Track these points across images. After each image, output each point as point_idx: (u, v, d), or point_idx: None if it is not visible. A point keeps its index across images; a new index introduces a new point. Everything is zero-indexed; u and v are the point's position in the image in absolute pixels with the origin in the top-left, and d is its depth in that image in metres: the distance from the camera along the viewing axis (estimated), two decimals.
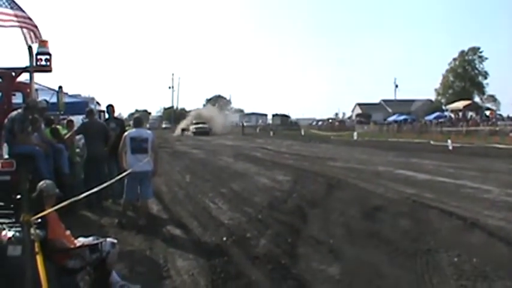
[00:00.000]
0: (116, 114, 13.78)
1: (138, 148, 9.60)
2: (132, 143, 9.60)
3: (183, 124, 79.04)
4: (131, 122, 11.19)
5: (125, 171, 9.32)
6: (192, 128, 71.21)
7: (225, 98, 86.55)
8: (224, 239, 8.51)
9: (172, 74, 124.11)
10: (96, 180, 9.60)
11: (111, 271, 5.79)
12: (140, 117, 11.00)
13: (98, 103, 23.30)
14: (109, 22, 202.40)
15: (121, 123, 13.02)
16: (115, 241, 5.98)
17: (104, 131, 11.88)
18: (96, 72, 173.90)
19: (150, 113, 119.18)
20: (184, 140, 50.80)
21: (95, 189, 6.49)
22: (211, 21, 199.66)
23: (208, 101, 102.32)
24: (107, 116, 13.87)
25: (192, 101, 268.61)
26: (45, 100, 12.48)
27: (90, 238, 5.88)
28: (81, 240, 5.82)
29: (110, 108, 13.26)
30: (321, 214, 10.47)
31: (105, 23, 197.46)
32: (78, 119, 13.60)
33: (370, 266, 7.01)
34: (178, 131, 76.19)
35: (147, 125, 72.07)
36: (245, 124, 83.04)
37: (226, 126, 79.05)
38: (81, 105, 16.18)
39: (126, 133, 10.02)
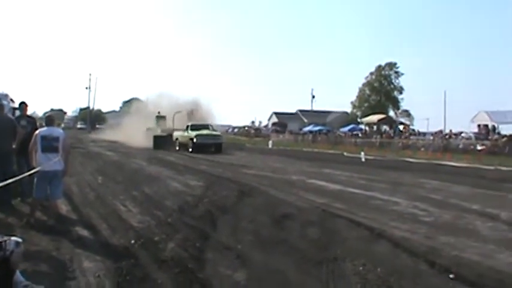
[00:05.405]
0: (30, 113, 13.48)
1: (49, 147, 9.46)
2: (43, 141, 9.45)
3: (158, 124, 48.16)
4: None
5: (35, 169, 9.20)
6: (188, 136, 37.92)
7: (142, 101, 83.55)
8: (132, 241, 8.50)
9: (90, 74, 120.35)
10: (2, 177, 9.41)
11: (15, 271, 5.71)
12: (52, 116, 10.78)
13: (11, 100, 22.68)
14: (27, 18, 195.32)
15: (32, 121, 12.67)
16: (20, 240, 5.86)
17: (12, 126, 11.31)
18: (12, 69, 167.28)
19: (65, 113, 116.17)
20: (99, 142, 49.48)
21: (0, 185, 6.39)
22: (130, 23, 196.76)
23: (125, 103, 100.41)
24: (18, 113, 13.57)
25: (108, 102, 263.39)
26: None
27: None
28: None
29: (22, 105, 12.90)
30: (230, 220, 10.57)
31: (23, 19, 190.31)
32: None
33: (277, 272, 7.13)
34: (145, 136, 43.96)
35: (62, 125, 69.13)
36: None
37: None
38: None
39: (37, 131, 9.85)
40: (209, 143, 37.01)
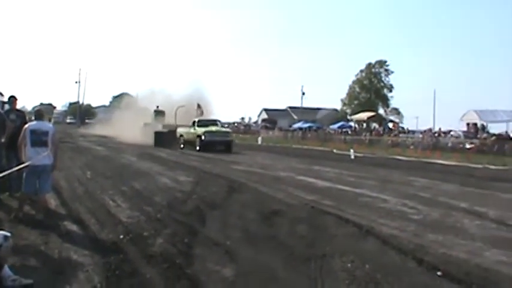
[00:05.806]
0: (19, 107, 13.42)
1: (38, 141, 9.42)
2: (32, 135, 9.41)
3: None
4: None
5: (24, 163, 9.17)
6: (195, 132, 34.30)
7: (132, 96, 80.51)
8: (121, 236, 8.49)
9: (80, 69, 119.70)
10: None
11: (3, 265, 5.70)
12: (41, 110, 10.77)
13: (1, 94, 22.60)
14: (17, 12, 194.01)
15: (22, 115, 12.64)
16: (8, 234, 5.88)
17: (1, 120, 11.32)
18: (1, 63, 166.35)
19: (55, 107, 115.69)
20: (88, 137, 49.14)
21: None
22: (120, 18, 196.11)
23: (115, 98, 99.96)
24: (7, 107, 13.50)
25: (98, 97, 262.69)
26: None
27: None
28: None
29: (12, 99, 12.86)
30: (219, 216, 10.57)
31: (12, 12, 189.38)
32: None
33: (265, 269, 7.12)
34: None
35: (52, 119, 68.23)
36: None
37: None
38: None
39: (26, 125, 9.81)
40: (218, 141, 33.42)
